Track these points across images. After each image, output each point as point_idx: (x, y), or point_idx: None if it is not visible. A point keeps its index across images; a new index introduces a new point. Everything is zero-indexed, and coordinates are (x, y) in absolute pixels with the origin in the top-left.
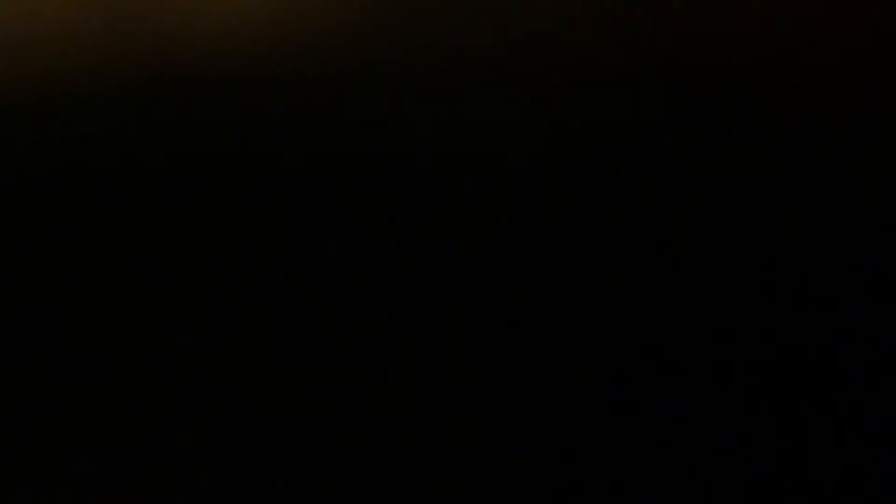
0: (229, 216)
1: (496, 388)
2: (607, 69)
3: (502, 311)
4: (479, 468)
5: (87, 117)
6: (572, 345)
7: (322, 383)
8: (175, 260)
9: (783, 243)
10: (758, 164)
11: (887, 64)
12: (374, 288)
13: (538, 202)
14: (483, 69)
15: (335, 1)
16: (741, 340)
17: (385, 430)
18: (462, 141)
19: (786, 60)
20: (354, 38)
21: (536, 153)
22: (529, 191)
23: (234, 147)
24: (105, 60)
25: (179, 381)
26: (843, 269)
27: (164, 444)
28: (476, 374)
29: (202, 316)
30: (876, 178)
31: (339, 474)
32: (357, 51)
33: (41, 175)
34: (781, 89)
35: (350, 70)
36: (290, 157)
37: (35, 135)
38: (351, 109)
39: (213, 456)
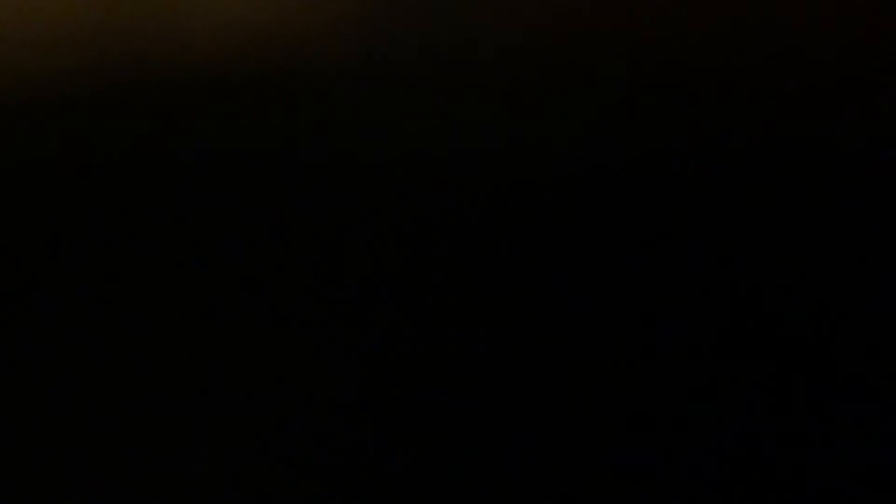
0: (229, 215)
1: (494, 388)
2: (606, 69)
3: (501, 311)
4: (480, 469)
5: (87, 117)
6: (572, 344)
7: (322, 383)
8: (175, 259)
9: (782, 244)
10: (756, 164)
11: (887, 64)
12: (373, 287)
13: (536, 202)
14: (482, 69)
15: (335, 1)
16: (741, 342)
17: (384, 431)
18: (461, 141)
19: (783, 61)
20: (354, 38)
21: (534, 153)
22: (527, 191)
23: (233, 147)
24: (105, 60)
25: (179, 382)
26: (843, 269)
27: (164, 444)
28: (474, 373)
29: (202, 316)
30: (876, 179)
31: (339, 475)
32: (356, 51)
33: (41, 175)
34: (779, 89)
35: (350, 70)
36: (290, 157)
37: (35, 135)
38: (350, 109)
39: (212, 456)
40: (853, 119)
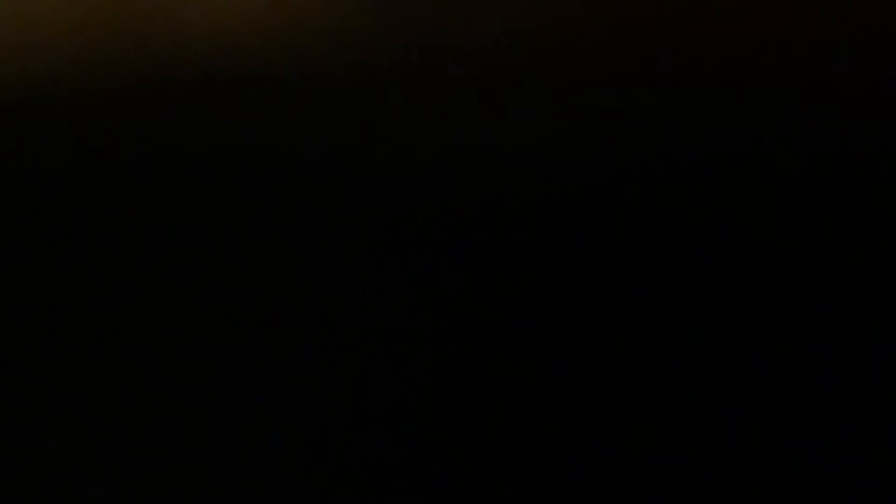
0: (228, 216)
1: (493, 389)
2: (605, 70)
3: (500, 312)
4: (479, 469)
5: (88, 117)
6: (572, 346)
7: (321, 383)
8: (175, 260)
9: (782, 246)
10: (756, 165)
11: (887, 64)
12: (372, 288)
13: (535, 203)
14: (481, 70)
15: (335, 2)
16: (742, 344)
17: (383, 431)
18: (460, 142)
19: (782, 61)
20: (354, 39)
21: (533, 154)
22: (526, 192)
23: (233, 147)
24: (105, 60)
25: (179, 382)
26: (842, 269)
27: (164, 444)
28: (473, 374)
29: (202, 316)
30: (876, 179)
31: (339, 475)
32: (355, 51)
33: (41, 175)
34: (778, 90)
35: (350, 71)
36: (290, 158)
37: (36, 135)
38: (348, 110)
39: (212, 457)
40: (852, 119)
